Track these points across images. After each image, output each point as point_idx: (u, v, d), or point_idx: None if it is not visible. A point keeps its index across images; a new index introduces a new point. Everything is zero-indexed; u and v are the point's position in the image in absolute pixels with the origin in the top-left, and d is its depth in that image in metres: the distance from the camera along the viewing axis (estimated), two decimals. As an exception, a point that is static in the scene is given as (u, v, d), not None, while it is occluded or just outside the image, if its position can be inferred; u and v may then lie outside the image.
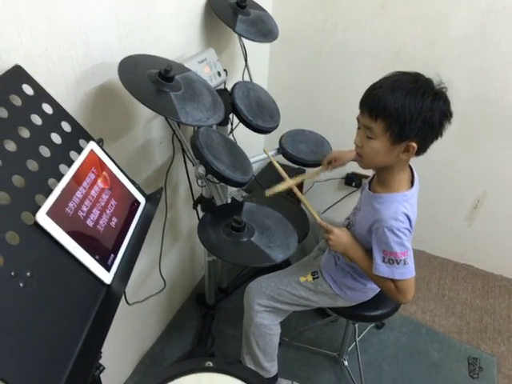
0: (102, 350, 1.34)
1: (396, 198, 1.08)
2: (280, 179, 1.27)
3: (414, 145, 1.00)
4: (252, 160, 1.47)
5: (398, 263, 1.06)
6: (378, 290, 1.34)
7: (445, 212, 2.11)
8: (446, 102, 0.99)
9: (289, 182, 1.26)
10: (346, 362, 1.63)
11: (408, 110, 0.95)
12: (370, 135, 1.02)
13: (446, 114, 0.99)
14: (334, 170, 1.47)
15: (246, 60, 1.53)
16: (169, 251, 1.64)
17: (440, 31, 1.71)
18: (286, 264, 1.49)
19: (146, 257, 1.47)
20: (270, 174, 2.18)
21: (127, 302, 1.11)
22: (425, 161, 1.94)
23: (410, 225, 1.07)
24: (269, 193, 1.25)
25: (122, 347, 1.52)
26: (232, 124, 1.51)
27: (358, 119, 1.07)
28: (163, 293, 1.64)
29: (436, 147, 1.96)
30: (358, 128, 1.08)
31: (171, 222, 1.59)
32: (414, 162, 1.09)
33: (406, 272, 1.07)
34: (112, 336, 1.40)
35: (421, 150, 1.04)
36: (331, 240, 1.17)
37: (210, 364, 0.70)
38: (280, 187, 1.25)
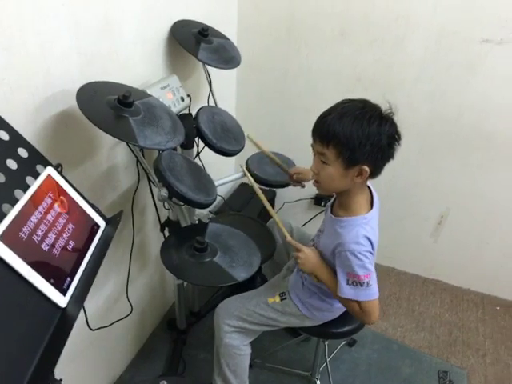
0: (69, 378, 1.32)
1: (357, 221, 1.11)
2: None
3: (367, 168, 1.03)
4: (221, 181, 1.50)
5: (361, 285, 1.08)
6: (345, 308, 1.36)
7: (411, 229, 2.17)
8: (393, 125, 1.04)
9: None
10: (318, 382, 1.63)
11: (356, 136, 0.99)
12: (325, 160, 1.06)
13: (393, 137, 1.03)
14: (298, 183, 1.50)
15: (210, 86, 1.58)
16: (138, 276, 1.63)
17: (397, 56, 1.80)
18: (262, 281, 1.52)
19: (114, 282, 1.46)
20: (241, 196, 2.21)
21: (89, 327, 1.10)
22: (389, 179, 2.04)
23: (372, 247, 1.10)
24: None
25: (90, 376, 1.49)
26: (198, 147, 1.54)
27: (312, 146, 1.11)
28: (132, 319, 1.62)
29: (399, 166, 2.04)
30: (314, 155, 1.12)
31: (140, 246, 1.59)
32: (380, 180, 1.12)
33: (370, 294, 1.09)
34: (79, 364, 1.39)
35: (374, 173, 1.07)
36: (300, 259, 1.18)
37: (165, 383, 0.70)
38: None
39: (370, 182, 1.20)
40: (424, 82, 1.81)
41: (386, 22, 1.74)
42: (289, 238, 1.22)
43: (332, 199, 1.26)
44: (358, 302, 1.10)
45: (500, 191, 1.90)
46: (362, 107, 1.02)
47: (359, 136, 0.99)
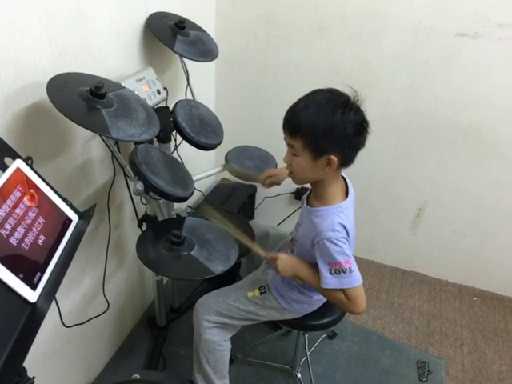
0: (45, 377, 1.29)
1: (331, 210, 1.11)
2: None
3: (334, 158, 1.02)
4: (199, 176, 1.49)
5: (344, 272, 1.07)
6: (324, 300, 1.36)
7: (390, 222, 2.20)
8: (358, 112, 1.02)
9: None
10: (298, 375, 1.64)
11: (320, 126, 0.99)
12: (294, 152, 1.07)
13: (360, 125, 1.02)
14: (272, 186, 1.48)
15: (187, 79, 1.56)
16: (115, 273, 1.60)
17: (374, 50, 1.81)
18: (238, 278, 1.51)
19: (90, 280, 1.43)
20: (221, 192, 2.19)
21: (63, 324, 1.08)
22: (368, 173, 2.06)
23: (348, 234, 1.10)
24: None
25: (67, 375, 1.46)
26: (176, 141, 1.52)
27: (284, 139, 1.10)
28: (111, 316, 1.60)
29: (377, 160, 2.05)
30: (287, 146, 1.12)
31: (117, 242, 1.56)
32: (358, 174, 1.11)
33: (354, 280, 1.08)
34: (56, 363, 1.36)
35: (345, 162, 1.07)
36: (279, 266, 1.18)
37: (137, 376, 0.69)
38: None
39: (347, 176, 1.20)
40: (401, 75, 1.82)
41: (362, 16, 1.75)
42: (263, 253, 1.22)
43: (308, 192, 1.26)
44: (342, 290, 1.09)
45: (476, 183, 1.93)
46: (328, 96, 1.01)
47: (323, 126, 0.99)
